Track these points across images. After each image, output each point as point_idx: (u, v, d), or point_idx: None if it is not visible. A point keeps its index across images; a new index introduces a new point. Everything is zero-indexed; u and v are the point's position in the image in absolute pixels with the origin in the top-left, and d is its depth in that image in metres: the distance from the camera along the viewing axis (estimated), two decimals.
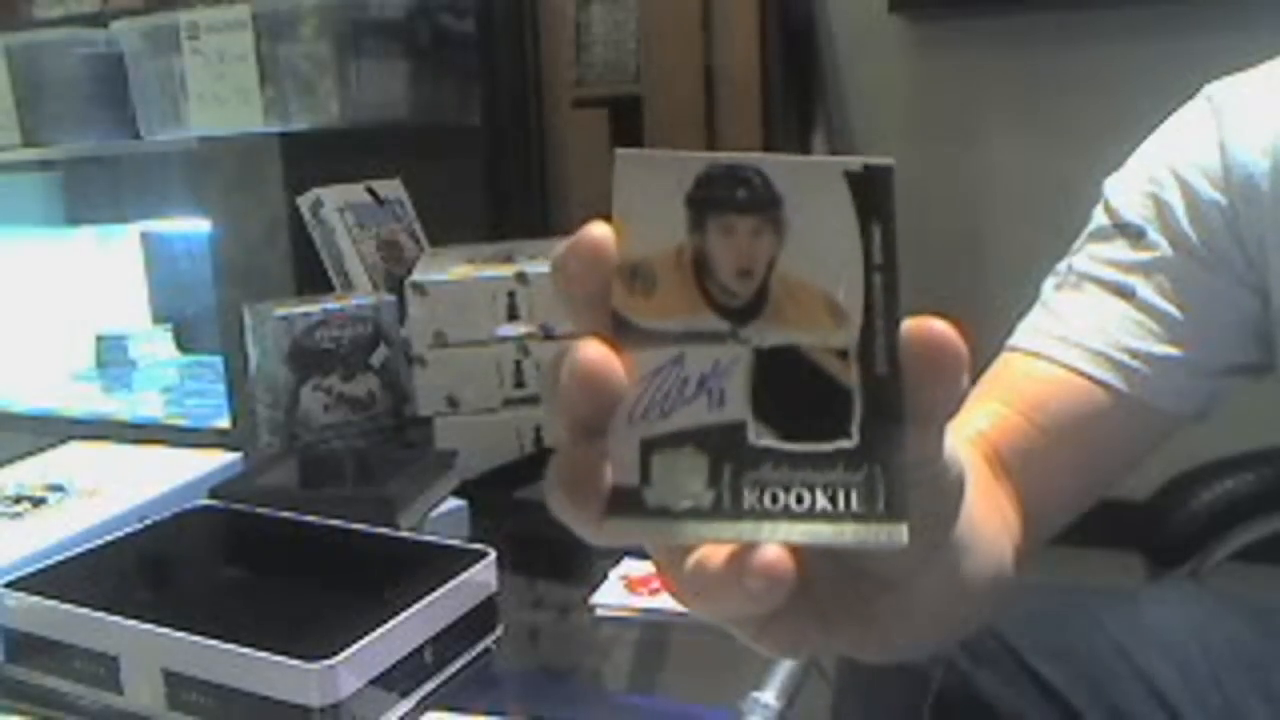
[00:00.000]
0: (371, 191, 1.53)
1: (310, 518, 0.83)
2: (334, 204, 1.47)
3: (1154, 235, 0.65)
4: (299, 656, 0.61)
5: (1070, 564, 0.91)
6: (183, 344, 2.01)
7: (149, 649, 0.65)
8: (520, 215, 2.15)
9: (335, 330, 1.19)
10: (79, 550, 0.77)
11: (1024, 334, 0.67)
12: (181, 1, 1.69)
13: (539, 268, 1.15)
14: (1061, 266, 0.69)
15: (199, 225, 1.61)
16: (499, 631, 0.75)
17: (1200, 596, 0.93)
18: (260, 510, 0.85)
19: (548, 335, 1.13)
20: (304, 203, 1.47)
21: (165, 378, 1.91)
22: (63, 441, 1.09)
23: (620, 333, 0.30)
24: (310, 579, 0.79)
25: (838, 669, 0.71)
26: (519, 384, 1.14)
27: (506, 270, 1.15)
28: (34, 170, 1.76)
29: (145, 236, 2.03)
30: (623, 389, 0.29)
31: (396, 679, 0.66)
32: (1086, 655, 0.80)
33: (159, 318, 2.05)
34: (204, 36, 1.61)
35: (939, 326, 0.30)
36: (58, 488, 0.95)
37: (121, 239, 2.02)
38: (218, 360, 1.63)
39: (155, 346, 1.99)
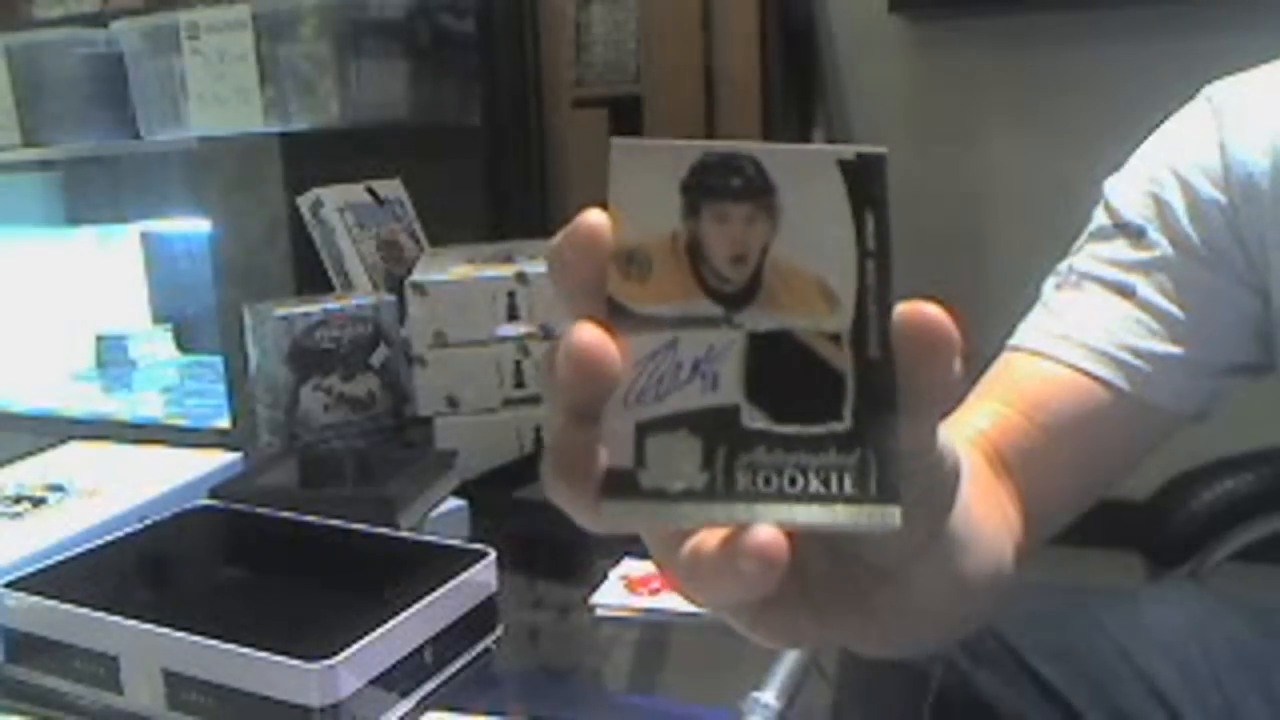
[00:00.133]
0: (371, 191, 1.53)
1: (310, 518, 0.83)
2: (334, 204, 1.47)
3: (1154, 235, 0.65)
4: (299, 656, 0.61)
5: (1070, 564, 0.91)
6: (183, 344, 2.01)
7: (149, 649, 0.65)
8: (520, 215, 2.15)
9: (335, 330, 1.19)
10: (79, 550, 0.77)
11: (1025, 333, 0.67)
12: (181, 1, 1.69)
13: (539, 268, 1.15)
14: (1062, 266, 0.69)
15: (199, 225, 1.61)
16: (499, 631, 0.75)
17: (1200, 596, 0.93)
18: (260, 510, 0.85)
19: (548, 335, 1.13)
20: (304, 203, 1.47)
21: (165, 378, 1.91)
22: (63, 441, 1.09)
23: (615, 318, 0.30)
24: (310, 579, 0.79)
25: (838, 669, 0.71)
26: (519, 384, 1.14)
27: (506, 270, 1.15)
28: (34, 170, 1.76)
29: (145, 236, 2.03)
30: (617, 372, 0.29)
31: (396, 679, 0.66)
32: (1087, 655, 0.80)
33: (159, 318, 2.05)
34: (204, 36, 1.61)
35: (931, 310, 0.31)
36: (58, 488, 0.95)
37: (121, 239, 2.02)
38: (218, 360, 1.63)
39: (155, 346, 1.99)
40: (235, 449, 1.04)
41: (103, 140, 1.75)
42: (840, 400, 0.31)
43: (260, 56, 1.59)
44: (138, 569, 0.78)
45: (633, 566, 0.84)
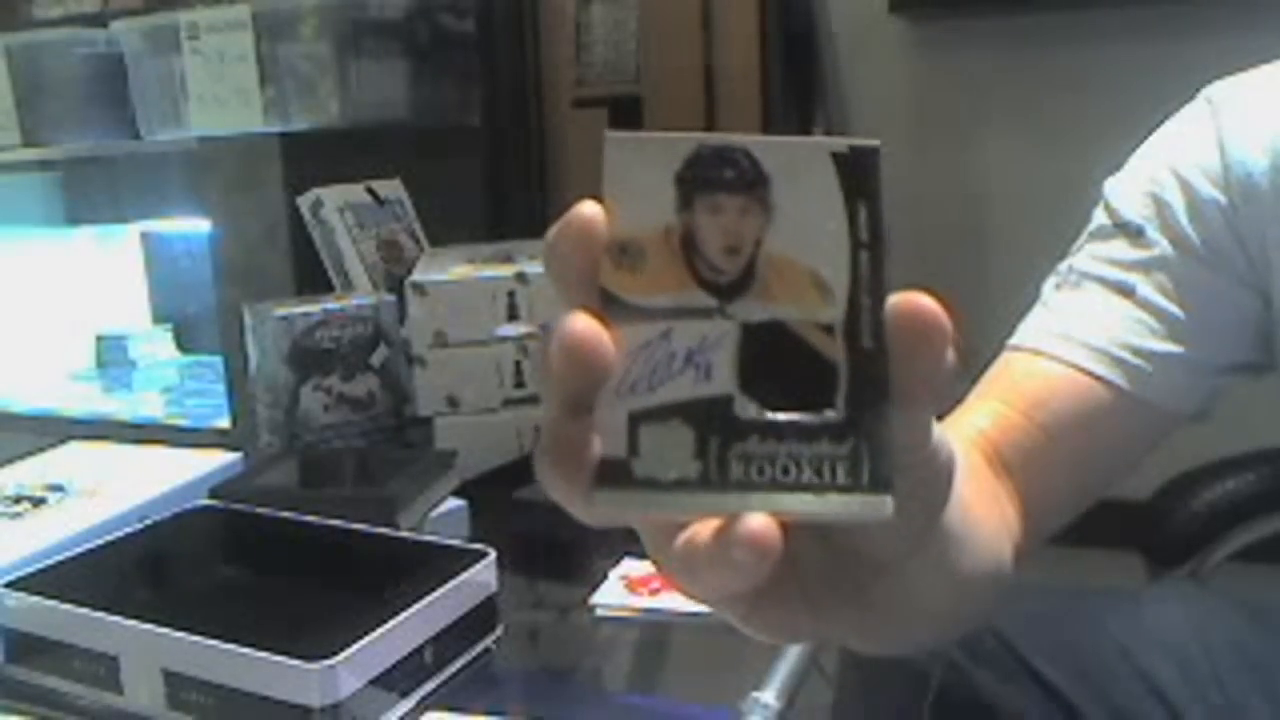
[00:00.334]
0: (371, 191, 1.53)
1: (310, 518, 0.83)
2: (334, 204, 1.47)
3: (1153, 234, 0.65)
4: (299, 656, 0.61)
5: (1070, 564, 0.91)
6: (183, 344, 2.01)
7: (149, 649, 0.65)
8: (520, 215, 2.15)
9: (335, 330, 1.19)
10: (79, 550, 0.77)
11: (1024, 333, 0.67)
12: (181, 1, 1.69)
13: (539, 268, 1.14)
14: (1062, 266, 0.69)
15: (199, 225, 1.61)
16: (499, 631, 0.75)
17: (1201, 596, 0.93)
18: (260, 510, 0.85)
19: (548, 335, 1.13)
20: (304, 203, 1.47)
21: (165, 378, 1.91)
22: (63, 441, 1.09)
23: (609, 309, 0.30)
24: (310, 579, 0.79)
25: (838, 669, 0.71)
26: (519, 384, 1.14)
27: (506, 270, 1.15)
28: (34, 170, 1.76)
29: (145, 236, 2.03)
30: (611, 361, 0.30)
31: (396, 679, 0.66)
32: (1087, 655, 0.80)
33: (159, 318, 2.05)
34: (204, 36, 1.61)
35: (924, 300, 0.31)
36: (58, 488, 0.95)
37: (121, 239, 2.02)
38: (218, 360, 1.63)
39: (155, 346, 1.99)
40: (235, 449, 1.04)
41: (103, 140, 1.75)
42: (833, 390, 0.31)
43: (260, 56, 1.59)
44: (138, 569, 0.78)
45: (633, 566, 0.84)
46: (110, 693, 0.67)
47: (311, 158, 1.52)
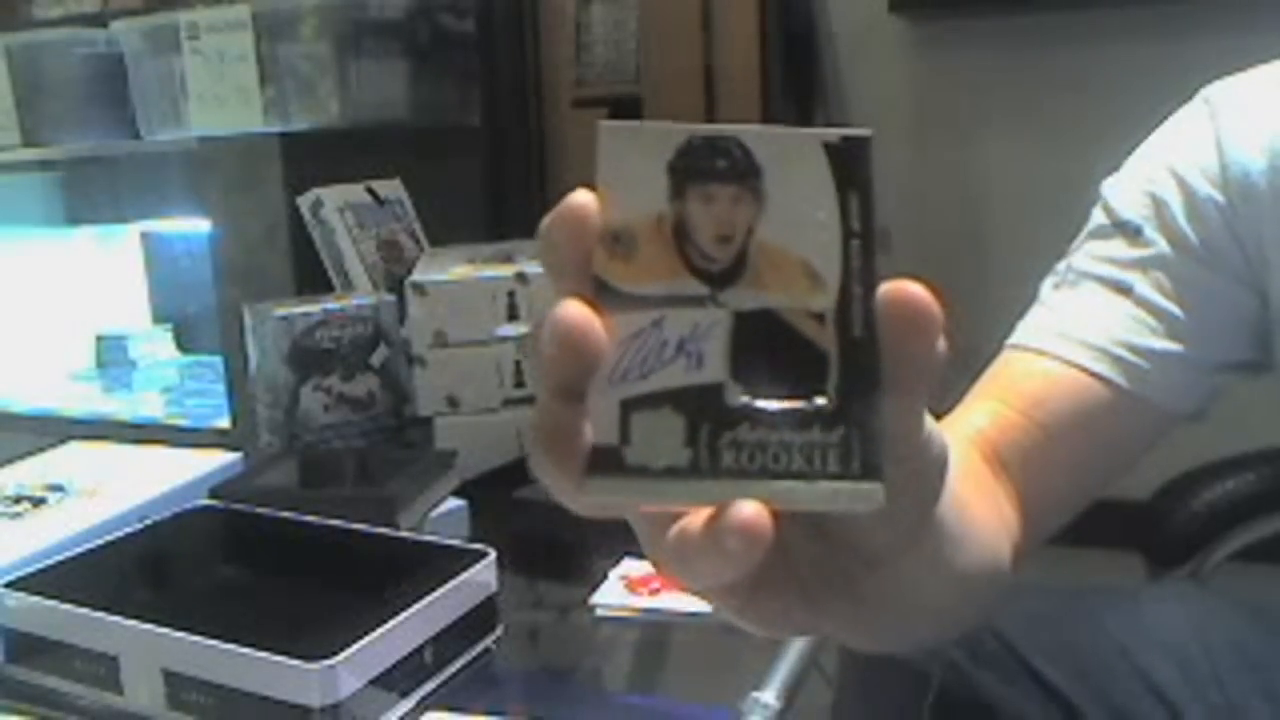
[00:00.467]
0: (371, 191, 1.53)
1: (310, 518, 0.83)
2: (334, 204, 1.47)
3: (1151, 233, 0.65)
4: (299, 656, 0.61)
5: (1070, 564, 0.91)
6: (183, 344, 2.01)
7: (149, 649, 0.65)
8: (520, 215, 2.15)
9: (335, 330, 1.19)
10: (79, 550, 0.77)
11: (1023, 332, 0.67)
12: (181, 1, 1.69)
13: (539, 268, 1.14)
14: (1060, 266, 0.69)
15: (199, 225, 1.61)
16: (499, 631, 0.75)
17: (1201, 596, 0.93)
18: (260, 510, 0.85)
19: None
20: (304, 203, 1.47)
21: (165, 378, 1.91)
22: (63, 441, 1.09)
23: (601, 296, 0.30)
24: (310, 579, 0.79)
25: (838, 669, 0.71)
26: (519, 384, 1.14)
27: (506, 270, 1.15)
28: (34, 170, 1.76)
29: (145, 236, 2.03)
30: (602, 349, 0.30)
31: (396, 679, 0.66)
32: (1087, 655, 0.80)
33: (159, 318, 2.05)
34: (204, 36, 1.61)
35: (914, 288, 0.31)
36: (58, 488, 0.95)
37: (121, 239, 2.02)
38: (218, 360, 1.63)
39: (155, 346, 1.99)
40: (235, 449, 1.04)
41: (103, 140, 1.75)
42: (824, 379, 0.31)
43: (260, 56, 1.59)
44: (138, 569, 0.78)
45: (633, 566, 0.84)
46: (110, 693, 0.67)
47: (311, 158, 1.52)
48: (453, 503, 0.98)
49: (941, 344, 0.31)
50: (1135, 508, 0.98)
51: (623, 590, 0.82)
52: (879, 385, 0.31)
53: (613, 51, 2.50)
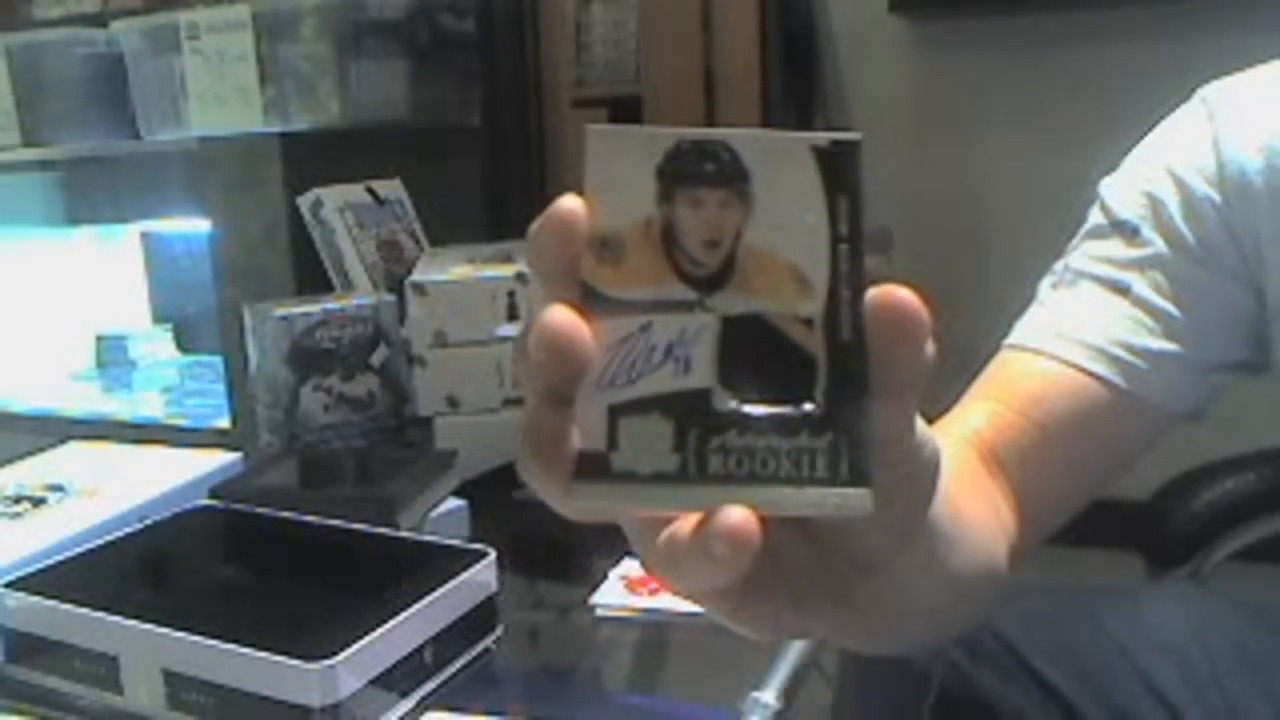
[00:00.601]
0: (371, 191, 1.53)
1: (310, 518, 0.83)
2: (334, 204, 1.47)
3: (1148, 233, 0.65)
4: (299, 656, 0.61)
5: (1070, 564, 0.91)
6: (183, 344, 2.01)
7: (149, 649, 0.65)
8: (520, 215, 2.15)
9: (335, 330, 1.19)
10: (79, 550, 0.77)
11: (1020, 332, 0.67)
12: (181, 1, 1.68)
13: None
14: (1058, 266, 0.69)
15: (199, 225, 1.61)
16: (499, 631, 0.75)
17: (1201, 596, 0.93)
18: (260, 510, 0.85)
19: None
20: (304, 203, 1.47)
21: (165, 378, 1.91)
22: (63, 441, 1.09)
23: (589, 302, 0.30)
24: (310, 579, 0.79)
25: (838, 669, 0.71)
26: (519, 384, 1.13)
27: (506, 270, 1.15)
28: (34, 170, 1.76)
29: (145, 236, 2.03)
30: (590, 354, 0.30)
31: (396, 679, 0.66)
32: (1087, 655, 0.80)
33: (159, 318, 2.05)
34: (204, 36, 1.61)
35: (902, 293, 0.31)
36: (58, 488, 0.95)
37: (121, 239, 2.02)
38: (218, 360, 1.62)
39: (155, 346, 1.99)
40: (235, 449, 1.04)
41: (103, 140, 1.75)
42: (812, 384, 0.31)
43: (260, 56, 1.59)
44: (138, 569, 0.78)
45: (633, 566, 0.84)
46: (110, 693, 0.67)
47: (311, 158, 1.52)
48: (453, 503, 0.98)
49: (930, 348, 0.31)
50: (1135, 508, 0.98)
51: (623, 590, 0.82)
52: (867, 390, 0.31)
53: (613, 51, 2.50)
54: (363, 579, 0.74)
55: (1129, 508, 0.90)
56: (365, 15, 1.64)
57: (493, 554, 0.74)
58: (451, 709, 0.67)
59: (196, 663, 0.64)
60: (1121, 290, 0.65)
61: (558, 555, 0.97)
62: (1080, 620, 0.83)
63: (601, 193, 0.31)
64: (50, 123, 1.75)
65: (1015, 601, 0.79)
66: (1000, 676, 0.79)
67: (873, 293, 0.31)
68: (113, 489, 0.94)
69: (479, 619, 0.73)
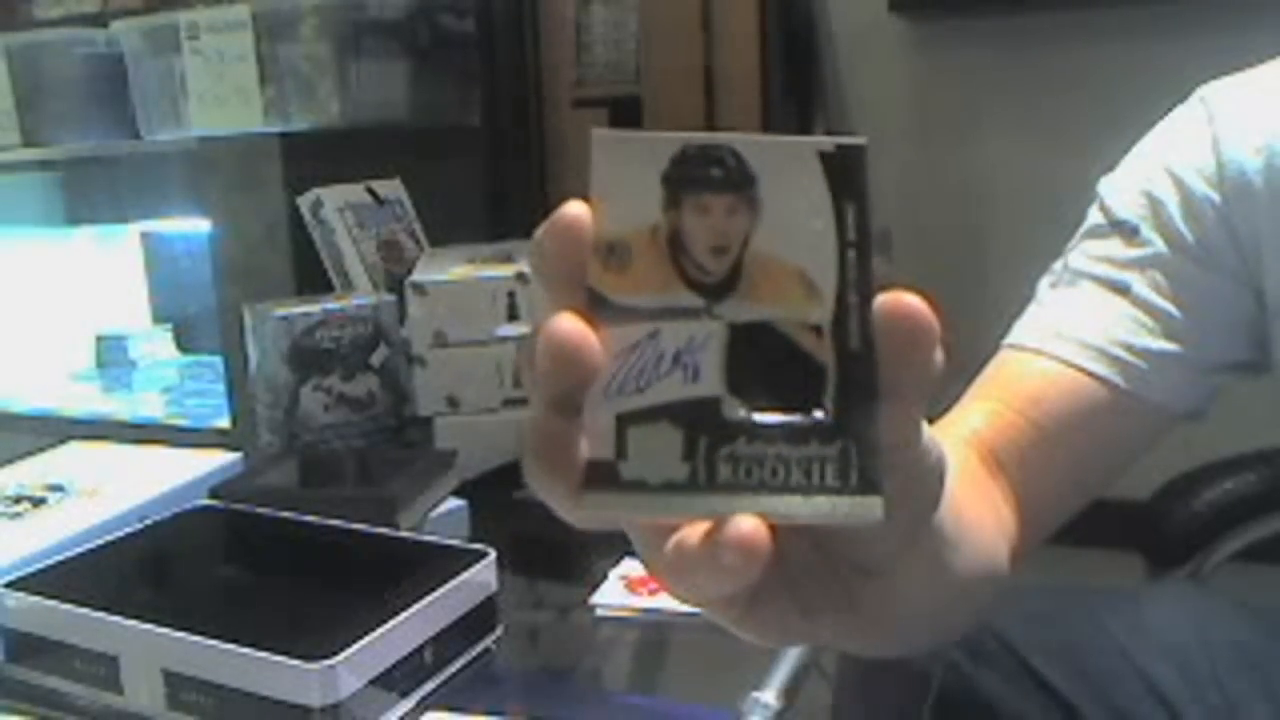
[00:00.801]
0: (371, 191, 1.53)
1: (310, 518, 0.83)
2: (334, 204, 1.47)
3: (1148, 232, 0.65)
4: (299, 656, 0.61)
5: (1070, 564, 0.91)
6: (183, 344, 2.01)
7: (149, 649, 0.65)
8: (520, 215, 2.15)
9: (335, 330, 1.19)
10: (79, 550, 0.77)
11: (1020, 332, 0.67)
12: (181, 1, 1.69)
13: None
14: (1057, 265, 0.69)
15: (199, 225, 1.61)
16: (499, 631, 0.75)
17: (1201, 596, 0.93)
18: (260, 510, 0.85)
19: None
20: (304, 203, 1.47)
21: (165, 378, 1.91)
22: (63, 441, 1.09)
23: (596, 309, 0.30)
24: (310, 579, 0.79)
25: (838, 669, 0.71)
26: (519, 384, 1.14)
27: (506, 270, 1.15)
28: (34, 170, 1.76)
29: (145, 236, 2.03)
30: (597, 362, 0.29)
31: (396, 679, 0.66)
32: (1087, 655, 0.80)
33: (159, 318, 2.05)
34: (204, 36, 1.61)
35: (911, 300, 0.31)
36: (58, 488, 0.95)
37: (121, 239, 2.02)
38: (218, 360, 1.62)
39: (155, 346, 1.99)
40: (235, 449, 1.04)
41: (103, 140, 1.75)
42: (821, 391, 0.31)
43: (260, 56, 1.59)
44: (138, 569, 0.78)
45: (633, 566, 0.84)
46: (110, 693, 0.67)
47: (311, 158, 1.52)
48: (453, 503, 0.98)
49: (939, 355, 0.31)
50: (1135, 508, 0.98)
51: (623, 590, 0.82)
52: (876, 397, 0.31)
53: (613, 51, 2.50)
54: (363, 579, 0.74)
55: (1129, 508, 0.90)
56: (365, 15, 1.64)
57: (493, 554, 0.74)
58: (451, 709, 0.67)
59: (196, 663, 0.64)
60: (1121, 290, 0.65)
61: (558, 555, 0.97)
62: (1080, 620, 0.83)
63: (607, 199, 0.30)
64: (50, 123, 1.75)
65: (1015, 601, 0.79)
66: (1000, 677, 0.79)
67: (882, 300, 0.31)
68: (113, 489, 0.93)
69: (479, 619, 0.73)
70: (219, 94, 1.62)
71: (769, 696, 0.65)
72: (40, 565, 0.74)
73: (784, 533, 0.31)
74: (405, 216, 1.57)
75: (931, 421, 0.35)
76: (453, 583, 0.71)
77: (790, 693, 0.66)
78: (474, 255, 1.27)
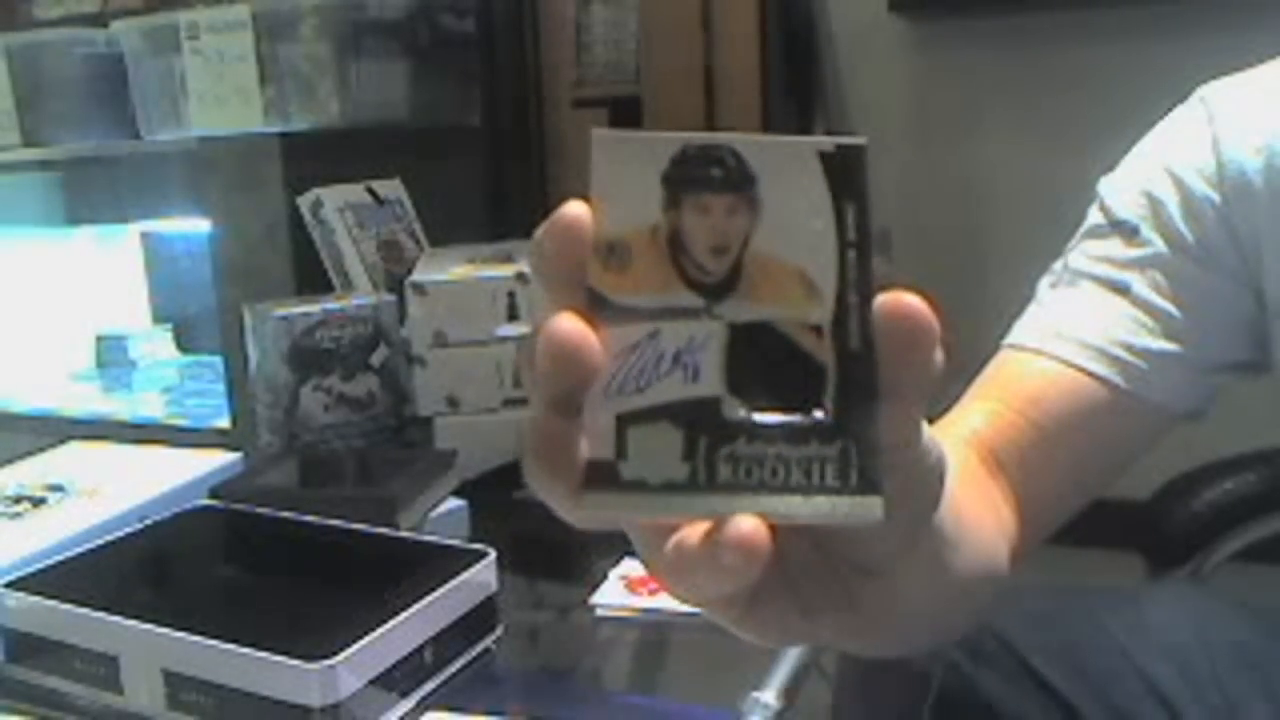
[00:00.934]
0: (371, 191, 1.53)
1: (310, 518, 0.83)
2: (334, 204, 1.47)
3: (1148, 232, 0.65)
4: (299, 656, 0.61)
5: (1070, 564, 0.91)
6: (183, 344, 2.01)
7: (149, 649, 0.65)
8: (520, 215, 2.15)
9: (335, 330, 1.19)
10: (79, 550, 0.77)
11: (1020, 331, 0.67)
12: (181, 1, 1.69)
13: None
14: (1057, 265, 0.69)
15: (199, 225, 1.61)
16: (499, 631, 0.75)
17: (1201, 597, 0.93)
18: (260, 510, 0.85)
19: None
20: (304, 203, 1.47)
21: (165, 378, 1.91)
22: (63, 441, 1.09)
23: (596, 309, 0.30)
24: (310, 579, 0.79)
25: (838, 669, 0.71)
26: (519, 384, 1.14)
27: (506, 270, 1.15)
28: (34, 170, 1.76)
29: (145, 236, 2.03)
30: (597, 363, 0.29)
31: (396, 679, 0.66)
32: (1088, 655, 0.80)
33: (159, 318, 2.05)
34: (204, 36, 1.61)
35: (911, 300, 0.31)
36: (58, 488, 0.95)
37: (121, 239, 2.02)
38: (218, 360, 1.62)
39: (155, 346, 1.99)
40: (235, 449, 1.04)
41: (103, 140, 1.75)
42: (821, 391, 0.31)
43: (260, 56, 1.59)
44: (138, 569, 0.78)
45: (633, 566, 0.84)
46: (110, 693, 0.67)
47: (311, 158, 1.52)
48: (453, 503, 0.98)
49: (939, 355, 0.31)
50: (1135, 508, 0.98)
51: (623, 590, 0.82)
52: (876, 397, 0.31)
53: (613, 51, 2.50)
54: (363, 579, 0.74)
55: (1129, 508, 0.90)
56: (365, 15, 1.64)
57: (493, 554, 0.74)
58: (451, 709, 0.67)
59: (196, 663, 0.64)
60: (1121, 290, 0.65)
61: (558, 555, 0.97)
62: (1080, 620, 0.83)
63: (607, 199, 0.30)
64: (50, 123, 1.75)
65: (1015, 601, 0.79)
66: (1000, 677, 0.79)
67: (882, 300, 0.31)
68: (113, 489, 0.94)
69: (479, 619, 0.73)
70: (219, 94, 1.62)
71: (769, 696, 0.65)
72: (40, 565, 0.74)
73: (784, 533, 0.31)
74: (405, 216, 1.57)
75: (931, 421, 0.35)
76: (453, 583, 0.71)
77: (790, 693, 0.66)
78: (474, 255, 1.27)
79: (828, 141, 0.31)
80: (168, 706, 0.65)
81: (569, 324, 0.29)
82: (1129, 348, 0.63)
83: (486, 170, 2.04)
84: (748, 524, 0.29)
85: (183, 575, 0.82)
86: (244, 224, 1.50)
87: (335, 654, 0.61)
